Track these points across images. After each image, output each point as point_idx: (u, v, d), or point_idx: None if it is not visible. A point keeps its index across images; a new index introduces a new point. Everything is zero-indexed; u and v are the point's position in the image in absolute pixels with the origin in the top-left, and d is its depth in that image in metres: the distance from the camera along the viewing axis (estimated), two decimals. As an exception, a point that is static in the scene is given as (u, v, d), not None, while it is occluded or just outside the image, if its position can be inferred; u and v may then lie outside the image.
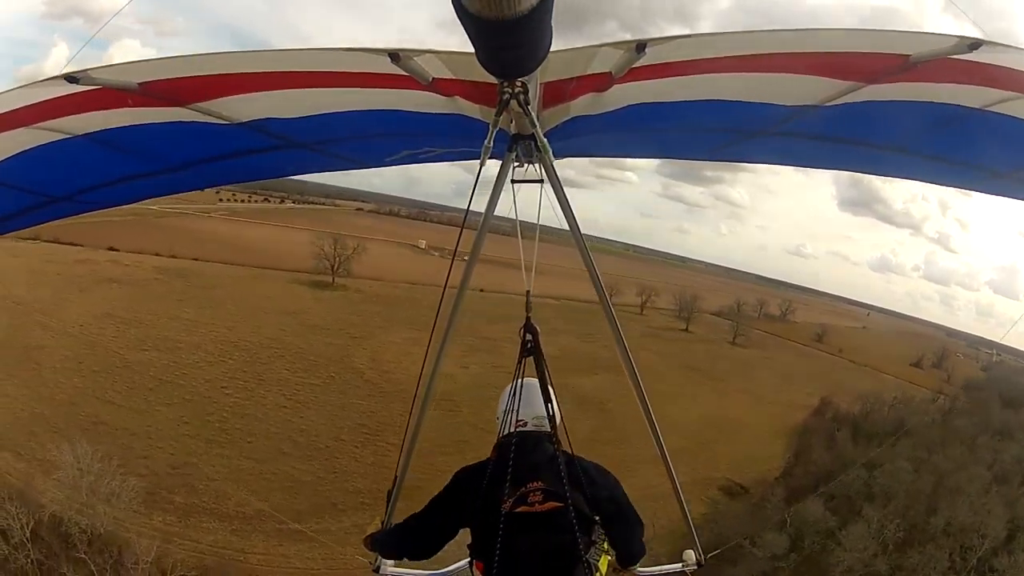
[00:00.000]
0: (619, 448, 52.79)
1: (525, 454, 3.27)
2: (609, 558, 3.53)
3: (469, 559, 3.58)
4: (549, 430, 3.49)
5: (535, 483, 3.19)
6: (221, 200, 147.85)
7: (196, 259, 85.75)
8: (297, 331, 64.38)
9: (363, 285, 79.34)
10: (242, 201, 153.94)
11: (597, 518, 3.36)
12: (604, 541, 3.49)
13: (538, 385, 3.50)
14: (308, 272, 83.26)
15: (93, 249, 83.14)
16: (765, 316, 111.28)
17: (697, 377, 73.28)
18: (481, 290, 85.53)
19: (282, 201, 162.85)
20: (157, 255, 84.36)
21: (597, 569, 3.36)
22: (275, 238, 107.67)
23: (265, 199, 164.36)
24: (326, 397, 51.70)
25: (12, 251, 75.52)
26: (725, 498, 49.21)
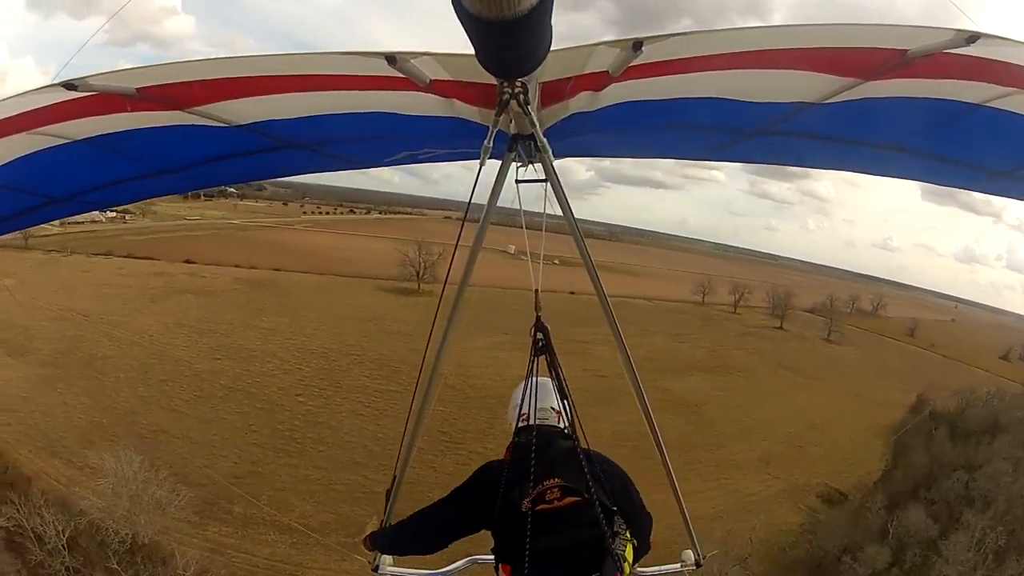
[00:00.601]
0: (713, 452, 52.40)
1: (539, 452, 3.45)
2: (633, 546, 3.54)
3: (472, 560, 4.34)
4: (556, 425, 3.90)
5: (551, 480, 3.41)
6: (305, 213, 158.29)
7: (277, 269, 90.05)
8: (379, 337, 64.59)
9: (450, 292, 76.35)
10: (327, 213, 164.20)
11: (616, 509, 3.53)
12: (626, 530, 3.54)
13: (546, 384, 3.87)
14: (393, 279, 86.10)
15: (169, 263, 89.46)
16: (857, 311, 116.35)
17: (792, 376, 73.88)
18: (572, 292, 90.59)
19: (368, 212, 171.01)
20: (236, 266, 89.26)
21: (625, 559, 3.41)
22: (359, 247, 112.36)
23: (351, 210, 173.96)
24: (406, 404, 47.71)
25: (82, 266, 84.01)
26: (824, 506, 48.65)
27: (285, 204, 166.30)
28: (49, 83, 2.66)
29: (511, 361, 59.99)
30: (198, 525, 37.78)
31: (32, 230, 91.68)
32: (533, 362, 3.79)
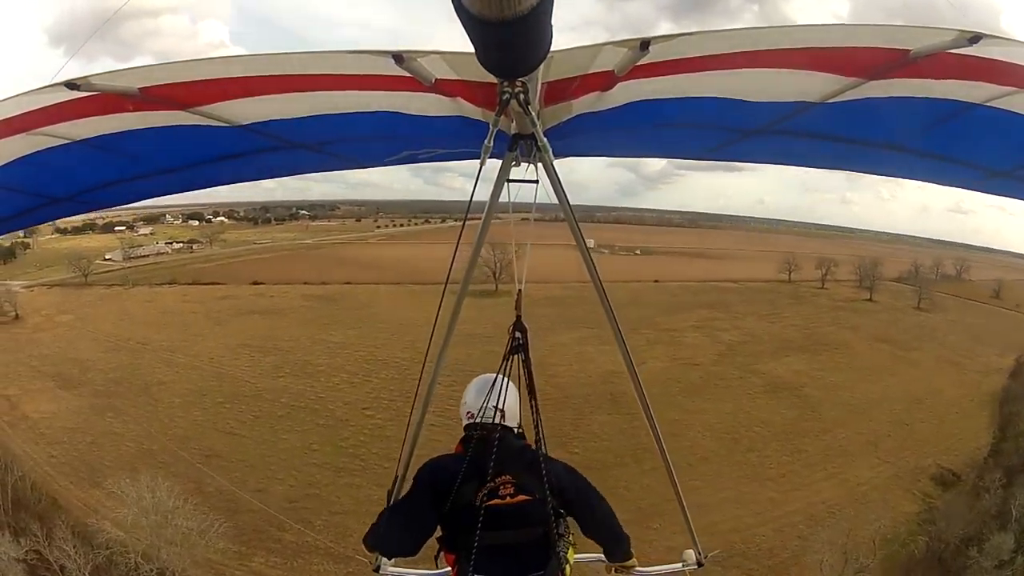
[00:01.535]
0: (820, 439, 50.43)
1: (490, 448, 3.78)
2: (575, 551, 3.98)
3: (437, 550, 4.08)
4: (498, 423, 4.04)
5: (503, 476, 3.78)
6: (379, 227, 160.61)
7: (348, 283, 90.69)
8: (454, 342, 59.88)
9: (529, 289, 74.81)
10: (401, 225, 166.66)
11: (563, 511, 3.91)
12: (570, 534, 3.94)
13: (497, 381, 4.15)
14: (473, 283, 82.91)
15: (236, 286, 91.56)
16: (942, 277, 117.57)
17: (889, 349, 72.72)
18: (656, 280, 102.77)
19: (443, 220, 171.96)
20: (306, 284, 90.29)
21: (567, 560, 3.83)
22: (435, 255, 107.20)
23: (425, 220, 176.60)
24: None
25: (145, 297, 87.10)
26: (938, 489, 47.31)
27: (358, 220, 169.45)
28: (51, 83, 2.73)
29: (597, 356, 59.09)
30: (243, 556, 36.57)
31: (91, 267, 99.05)
32: (507, 360, 4.20)
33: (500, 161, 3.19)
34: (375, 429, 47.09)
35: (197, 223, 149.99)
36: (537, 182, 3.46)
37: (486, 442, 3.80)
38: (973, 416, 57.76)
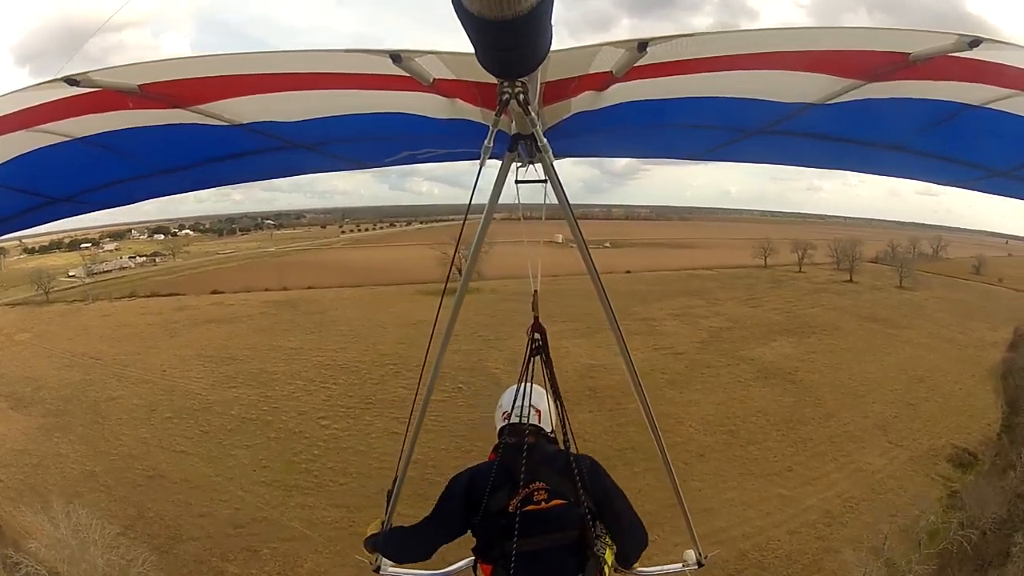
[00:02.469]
0: (823, 426, 45.53)
1: (522, 454, 3.66)
2: (612, 550, 3.75)
3: (472, 561, 3.97)
4: (538, 424, 3.97)
5: (537, 483, 3.64)
6: (344, 232, 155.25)
7: (310, 287, 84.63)
8: (419, 342, 53.58)
9: (499, 285, 75.55)
10: (366, 230, 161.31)
11: (599, 513, 3.74)
12: (606, 535, 3.74)
13: (534, 389, 4.00)
14: (436, 282, 74.86)
15: (196, 296, 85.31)
16: (920, 256, 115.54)
17: (879, 328, 68.45)
18: (628, 271, 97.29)
19: (408, 223, 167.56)
20: (266, 290, 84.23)
21: (605, 561, 3.66)
22: (400, 256, 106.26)
23: (391, 224, 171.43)
24: (451, 414, 42.01)
25: (104, 311, 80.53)
26: (957, 471, 41.94)
27: (323, 227, 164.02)
28: (51, 78, 2.63)
29: (573, 350, 52.36)
30: (180, 592, 29.32)
31: (54, 284, 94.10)
32: (529, 362, 4.04)
33: (499, 161, 3.05)
34: (330, 440, 40.38)
35: (163, 237, 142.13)
36: (546, 182, 3.16)
37: (518, 448, 3.71)
38: (977, 392, 53.12)
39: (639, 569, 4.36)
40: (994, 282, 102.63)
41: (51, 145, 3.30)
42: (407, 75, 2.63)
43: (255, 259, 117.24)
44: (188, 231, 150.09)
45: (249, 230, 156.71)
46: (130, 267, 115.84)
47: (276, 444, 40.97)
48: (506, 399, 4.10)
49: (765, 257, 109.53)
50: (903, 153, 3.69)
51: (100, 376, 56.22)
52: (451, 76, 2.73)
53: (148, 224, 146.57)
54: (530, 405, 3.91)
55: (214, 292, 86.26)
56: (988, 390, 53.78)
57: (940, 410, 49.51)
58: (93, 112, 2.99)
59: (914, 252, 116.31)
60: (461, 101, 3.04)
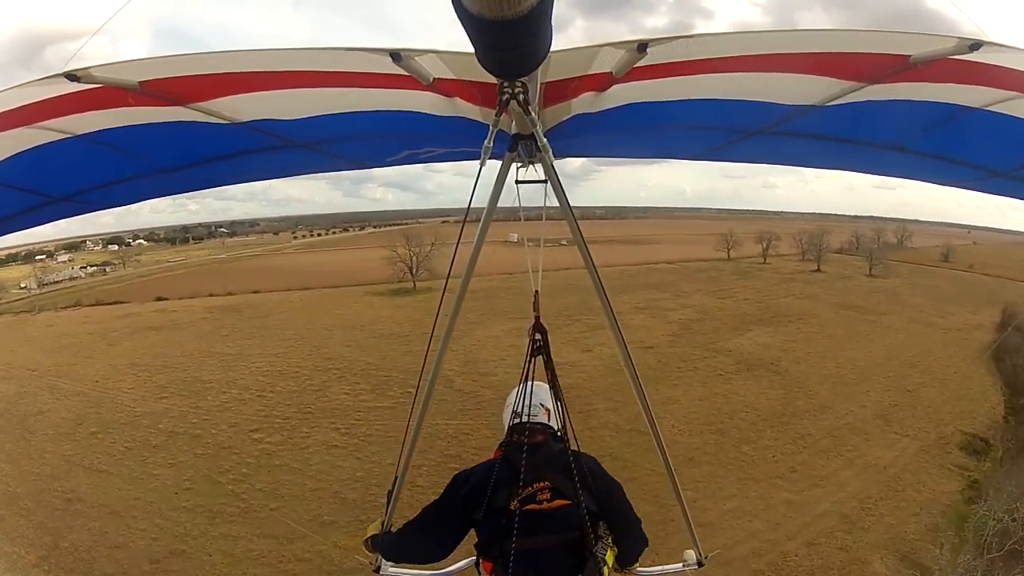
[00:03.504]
0: (819, 418, 39.39)
1: (528, 454, 3.51)
2: (614, 553, 3.63)
3: (475, 559, 3.76)
4: (547, 423, 3.84)
5: (541, 483, 3.47)
6: (296, 238, 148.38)
7: (256, 292, 78.23)
8: (366, 345, 50.91)
9: (452, 284, 67.95)
10: (319, 235, 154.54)
11: (601, 514, 3.58)
12: (609, 536, 3.60)
13: (541, 387, 3.87)
14: (386, 283, 74.45)
15: (140, 304, 78.39)
16: (885, 246, 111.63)
17: (857, 315, 64.06)
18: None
19: (362, 228, 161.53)
20: (211, 296, 77.80)
21: (605, 563, 3.50)
22: (351, 259, 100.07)
23: (344, 229, 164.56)
24: (399, 423, 34.09)
25: (48, 321, 73.65)
26: (972, 459, 36.60)
27: (276, 234, 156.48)
28: (51, 74, 2.54)
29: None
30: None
31: (5, 296, 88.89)
32: (530, 363, 3.77)
33: (499, 162, 2.93)
34: (262, 456, 33.44)
35: (116, 247, 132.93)
36: (547, 182, 3.01)
37: (520, 446, 3.58)
38: (973, 375, 48.54)
39: (639, 569, 4.17)
40: (964, 268, 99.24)
41: (52, 142, 3.08)
42: (407, 74, 2.52)
43: (204, 266, 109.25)
44: (142, 241, 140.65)
45: (202, 238, 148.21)
46: (80, 277, 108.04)
47: (202, 462, 34.01)
48: (514, 397, 3.89)
49: (728, 250, 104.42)
50: (904, 154, 3.52)
51: (33, 388, 49.65)
52: (451, 76, 2.62)
53: (103, 236, 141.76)
54: (539, 403, 3.80)
55: (158, 299, 79.50)
56: (983, 372, 49.69)
57: (940, 396, 44.97)
58: (94, 109, 2.82)
59: (879, 242, 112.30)
60: (461, 100, 2.87)
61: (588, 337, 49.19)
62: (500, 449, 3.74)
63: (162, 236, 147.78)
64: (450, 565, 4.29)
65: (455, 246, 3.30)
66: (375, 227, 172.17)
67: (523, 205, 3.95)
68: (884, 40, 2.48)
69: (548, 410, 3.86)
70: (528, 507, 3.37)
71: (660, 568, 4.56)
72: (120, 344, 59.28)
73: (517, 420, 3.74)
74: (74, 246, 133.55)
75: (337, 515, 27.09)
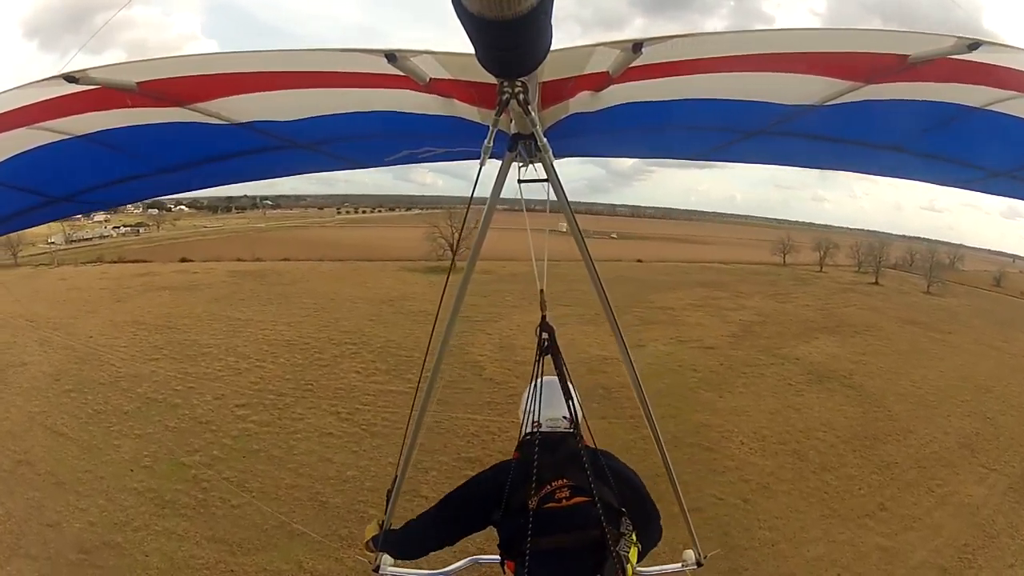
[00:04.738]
0: (905, 445, 26.23)
1: (548, 452, 3.68)
2: (637, 548, 3.65)
3: (473, 559, 4.33)
4: (567, 430, 3.91)
5: (560, 480, 3.56)
6: (340, 213, 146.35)
7: (286, 259, 76.69)
8: (391, 320, 45.91)
9: (493, 266, 66.91)
10: (364, 212, 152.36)
11: (624, 509, 3.63)
12: (632, 532, 3.62)
13: (556, 384, 3.87)
14: (424, 259, 72.06)
15: (162, 264, 76.84)
16: (938, 265, 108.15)
17: (923, 332, 58.58)
18: (639, 260, 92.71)
19: (408, 209, 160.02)
20: (238, 260, 76.04)
21: (628, 560, 3.51)
22: (392, 235, 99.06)
23: (391, 209, 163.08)
24: (408, 411, 28.30)
25: (62, 275, 72.58)
26: None
27: (321, 209, 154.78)
28: (51, 75, 2.60)
29: (579, 338, 40.06)
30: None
31: (31, 249, 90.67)
32: (539, 363, 3.89)
33: (499, 161, 3.03)
34: (240, 437, 27.67)
35: (156, 212, 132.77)
36: (547, 181, 3.15)
37: (543, 445, 3.69)
38: None
39: (639, 569, 4.04)
40: (1016, 295, 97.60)
41: (51, 143, 3.20)
42: (404, 75, 2.58)
43: (239, 233, 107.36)
44: (183, 207, 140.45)
45: (245, 209, 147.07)
46: (111, 236, 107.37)
47: (172, 436, 28.63)
48: (536, 403, 3.99)
49: (784, 255, 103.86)
50: (903, 154, 3.62)
51: (24, 340, 46.81)
52: (448, 76, 2.68)
53: (147, 201, 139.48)
54: (563, 416, 3.87)
55: (182, 260, 78.39)
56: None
57: (1019, 425, 38.62)
58: (92, 110, 2.91)
59: (931, 261, 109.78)
60: (459, 101, 2.97)
61: (640, 332, 45.52)
62: (518, 450, 3.87)
63: (205, 204, 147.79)
64: (451, 564, 4.46)
65: (454, 248, 4.62)
66: (421, 209, 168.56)
67: (530, 204, 4.01)
68: (883, 39, 2.50)
69: (570, 420, 3.84)
70: (547, 506, 3.44)
71: (660, 568, 4.62)
72: (128, 302, 56.33)
73: (538, 431, 3.85)
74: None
75: (311, 524, 20.99)
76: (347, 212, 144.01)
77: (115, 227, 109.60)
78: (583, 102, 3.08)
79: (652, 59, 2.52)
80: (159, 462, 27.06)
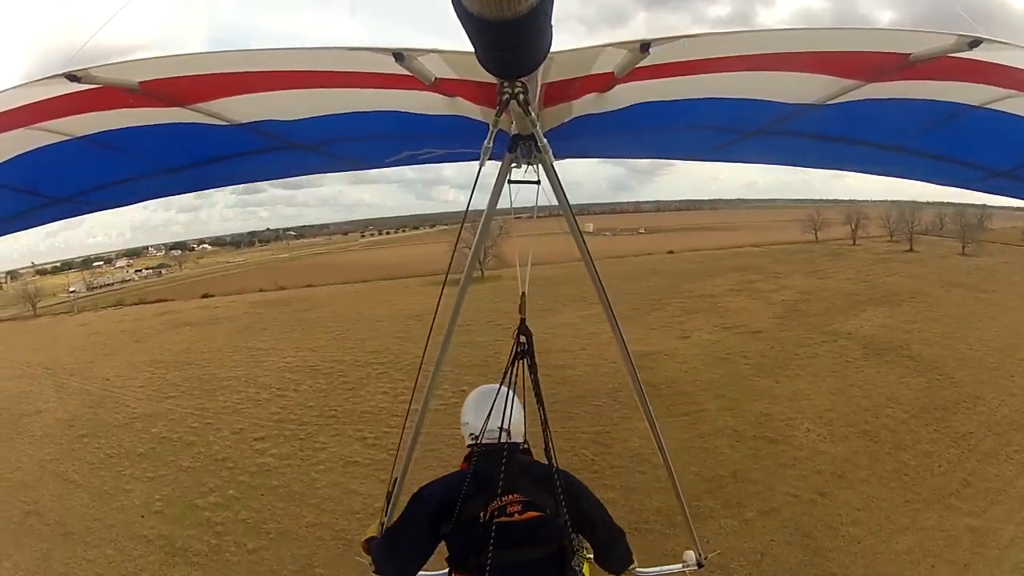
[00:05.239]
0: (975, 414, 25.92)
1: (497, 465, 3.68)
2: (590, 563, 3.85)
3: (447, 572, 3.96)
4: (506, 441, 3.96)
5: (512, 496, 3.68)
6: (364, 236, 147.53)
7: (309, 285, 78.09)
8: (419, 336, 42.08)
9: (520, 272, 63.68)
10: (388, 234, 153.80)
11: (576, 526, 3.78)
12: (584, 549, 3.77)
13: (500, 393, 3.98)
14: (452, 272, 68.19)
15: (184, 301, 77.40)
16: (968, 226, 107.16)
17: (968, 292, 56.86)
18: (670, 251, 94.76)
19: (433, 226, 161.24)
20: (260, 291, 77.04)
21: (582, 575, 3.68)
22: (417, 252, 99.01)
23: (414, 228, 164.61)
24: (443, 431, 25.53)
25: (82, 321, 72.87)
26: None
27: (345, 234, 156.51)
28: (52, 74, 2.55)
29: (629, 334, 37.51)
30: None
31: (52, 299, 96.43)
32: (512, 367, 4.00)
33: (499, 162, 3.13)
34: (259, 474, 25.56)
35: (179, 252, 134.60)
36: (539, 183, 3.34)
37: (490, 457, 3.70)
38: None
39: (638, 570, 4.34)
40: None
41: (52, 144, 3.18)
42: (409, 74, 2.57)
43: (263, 265, 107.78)
44: (206, 245, 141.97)
45: (269, 242, 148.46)
46: (132, 280, 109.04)
47: (185, 478, 26.78)
48: (470, 414, 4.13)
49: (816, 231, 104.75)
50: (903, 154, 3.66)
51: (40, 387, 46.26)
52: (454, 75, 2.67)
53: (168, 244, 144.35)
54: (499, 427, 3.87)
55: (203, 296, 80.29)
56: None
57: None
58: (94, 110, 2.90)
59: (960, 222, 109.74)
60: (463, 100, 2.99)
61: (682, 322, 44.69)
62: (466, 461, 3.98)
63: (228, 241, 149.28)
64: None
65: (453, 248, 4.01)
66: (446, 225, 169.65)
67: (530, 205, 3.93)
68: (884, 37, 2.50)
69: (507, 431, 3.86)
70: (499, 519, 3.52)
71: (659, 568, 4.70)
72: (147, 341, 55.73)
73: (475, 442, 4.01)
74: (135, 252, 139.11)
75: (336, 566, 18.68)
76: (371, 235, 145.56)
77: (136, 271, 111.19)
78: (588, 103, 3.13)
79: (658, 59, 2.48)
80: (171, 505, 25.22)
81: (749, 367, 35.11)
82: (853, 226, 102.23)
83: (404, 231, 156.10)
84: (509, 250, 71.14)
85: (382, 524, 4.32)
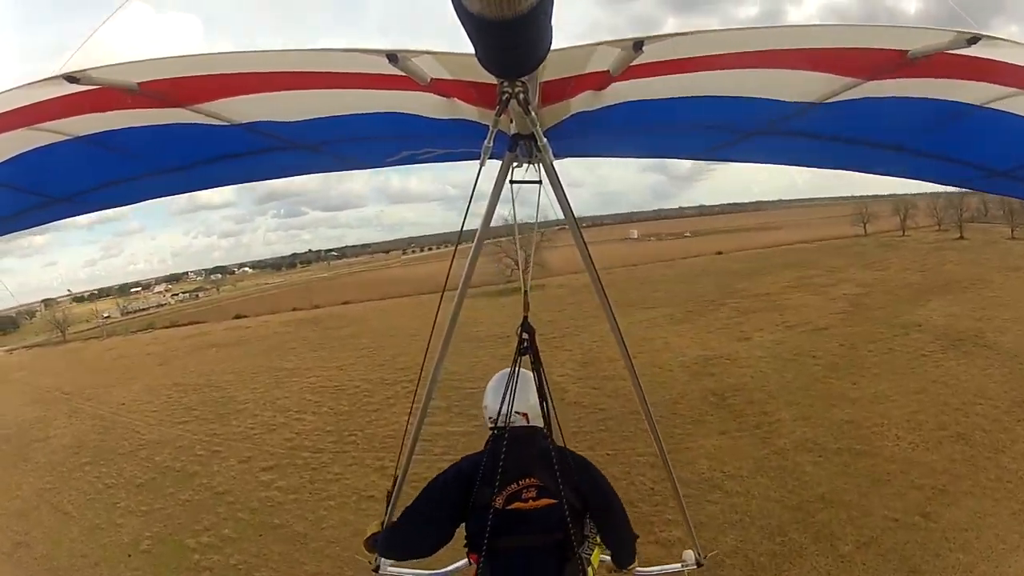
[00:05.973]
0: None
1: (516, 448, 3.87)
2: (601, 551, 4.04)
3: (466, 556, 4.20)
4: (530, 425, 4.22)
5: (528, 479, 3.87)
6: (405, 254, 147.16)
7: (346, 303, 78.06)
8: (455, 349, 38.28)
9: (567, 280, 66.63)
10: (429, 250, 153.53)
11: (587, 512, 4.00)
12: (595, 535, 4.02)
13: (526, 378, 4.20)
14: (491, 283, 70.56)
15: (215, 323, 77.67)
16: (1011, 211, 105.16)
17: None
18: (719, 252, 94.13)
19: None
20: (294, 310, 76.96)
21: (590, 563, 3.91)
22: (459, 266, 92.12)
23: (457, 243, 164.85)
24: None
25: (110, 345, 73.11)
26: None
27: (387, 253, 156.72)
28: (51, 75, 2.56)
29: (674, 340, 37.76)
30: None
31: (84, 325, 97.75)
32: (517, 363, 4.12)
33: (499, 162, 3.17)
34: (261, 509, 22.68)
35: (219, 276, 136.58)
36: (540, 182, 3.41)
37: (505, 441, 3.82)
38: None
39: (638, 569, 4.49)
40: None
41: (51, 144, 3.19)
42: (405, 75, 2.57)
43: (301, 285, 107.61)
44: (247, 268, 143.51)
45: (310, 263, 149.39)
46: (168, 303, 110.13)
47: (182, 512, 24.12)
48: (489, 398, 4.24)
49: (865, 224, 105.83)
50: (902, 153, 3.65)
51: (54, 412, 45.72)
52: (448, 76, 2.68)
53: (208, 269, 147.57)
54: (516, 412, 4.00)
55: (236, 316, 79.85)
56: None
57: None
58: (92, 111, 2.89)
59: (1005, 209, 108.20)
60: (459, 101, 2.99)
61: (741, 323, 42.81)
62: (487, 445, 4.07)
63: (268, 263, 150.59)
64: (448, 565, 4.77)
65: (453, 248, 3.87)
66: (489, 239, 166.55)
67: (532, 207, 4.12)
68: (881, 35, 2.49)
69: (526, 415, 4.10)
70: (513, 505, 3.73)
71: (659, 568, 4.90)
72: (171, 364, 54.86)
73: (494, 427, 4.09)
74: (176, 277, 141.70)
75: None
76: (413, 252, 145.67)
77: (173, 295, 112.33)
78: (585, 101, 3.12)
79: (653, 57, 2.51)
80: (160, 544, 22.71)
81: (820, 368, 31.93)
82: (902, 217, 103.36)
83: (447, 247, 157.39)
84: (551, 258, 70.50)
85: (382, 523, 4.28)
